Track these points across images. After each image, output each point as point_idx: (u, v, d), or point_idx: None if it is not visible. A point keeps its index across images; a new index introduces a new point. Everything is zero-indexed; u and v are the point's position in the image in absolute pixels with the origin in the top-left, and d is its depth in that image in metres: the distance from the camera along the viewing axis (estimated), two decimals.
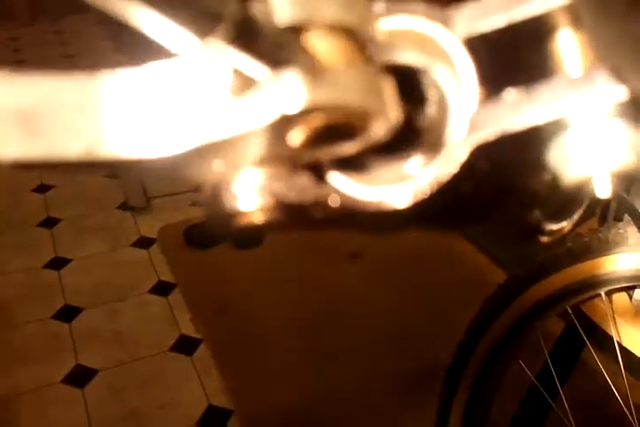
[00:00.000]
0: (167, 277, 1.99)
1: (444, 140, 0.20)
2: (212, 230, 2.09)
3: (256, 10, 0.18)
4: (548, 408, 1.03)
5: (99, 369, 1.67)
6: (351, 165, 0.21)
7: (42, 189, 2.44)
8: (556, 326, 1.05)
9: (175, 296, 1.91)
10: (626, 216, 0.84)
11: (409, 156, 0.21)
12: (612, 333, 0.88)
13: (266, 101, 0.18)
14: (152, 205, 2.32)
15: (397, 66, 0.20)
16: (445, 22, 0.20)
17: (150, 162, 0.18)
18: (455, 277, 1.87)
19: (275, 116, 0.17)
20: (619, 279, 0.80)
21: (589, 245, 0.80)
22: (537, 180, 0.21)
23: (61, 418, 1.55)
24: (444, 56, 0.20)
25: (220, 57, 0.18)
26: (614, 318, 0.88)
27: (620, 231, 0.75)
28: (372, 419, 1.48)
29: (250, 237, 2.07)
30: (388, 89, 0.19)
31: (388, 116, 0.18)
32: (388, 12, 0.20)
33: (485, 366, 0.96)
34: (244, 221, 0.20)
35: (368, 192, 0.21)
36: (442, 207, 0.21)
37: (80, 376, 1.65)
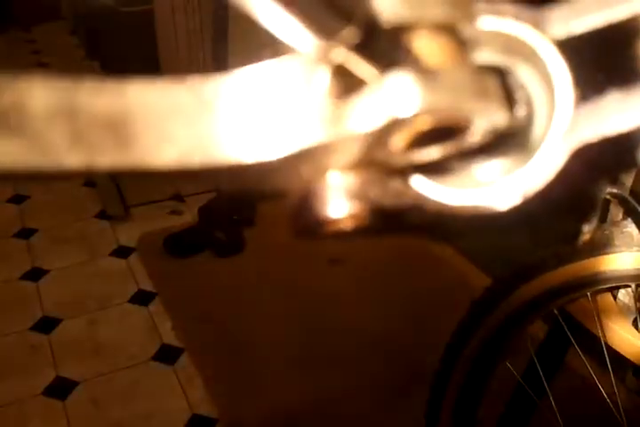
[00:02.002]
0: (147, 286, 1.97)
1: (537, 143, 0.20)
2: (192, 237, 2.08)
3: (369, 10, 0.18)
4: (535, 408, 1.03)
5: (79, 381, 1.65)
6: (433, 168, 0.21)
7: (17, 199, 2.41)
8: (541, 327, 1.06)
9: (155, 306, 1.90)
10: (609, 218, 0.85)
11: (495, 159, 0.21)
12: (598, 333, 0.89)
13: (378, 104, 0.17)
14: (130, 214, 2.30)
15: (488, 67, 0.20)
16: (536, 24, 0.20)
17: (247, 167, 0.18)
18: (437, 281, 1.88)
19: (386, 120, 0.17)
20: (604, 280, 0.82)
21: (575, 247, 0.82)
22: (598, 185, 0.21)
23: None
24: (534, 58, 0.20)
25: (333, 58, 0.18)
26: (599, 319, 0.89)
27: (607, 233, 0.76)
28: (358, 425, 1.48)
29: (230, 245, 2.06)
30: (496, 89, 0.19)
31: (495, 118, 0.18)
32: (482, 12, 0.19)
33: (473, 368, 0.96)
34: (333, 227, 0.20)
35: (458, 196, 0.21)
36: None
37: (61, 388, 1.63)
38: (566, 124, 0.20)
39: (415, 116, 0.17)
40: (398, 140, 0.18)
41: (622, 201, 0.65)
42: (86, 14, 3.18)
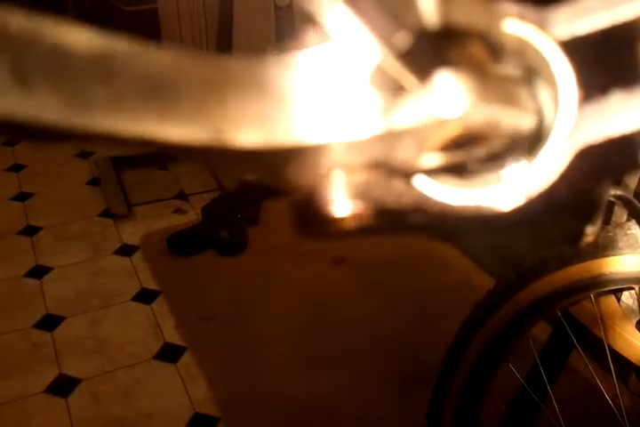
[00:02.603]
0: (150, 284, 1.97)
1: (540, 143, 0.20)
2: (195, 236, 2.08)
3: (417, 16, 0.18)
4: (537, 410, 1.03)
5: (82, 378, 1.65)
6: (442, 169, 0.21)
7: (21, 196, 2.41)
8: (544, 328, 1.06)
9: (159, 304, 1.90)
10: (613, 219, 0.85)
11: (504, 159, 0.21)
12: (601, 335, 0.89)
13: (424, 103, 0.17)
14: (134, 213, 2.30)
15: None
16: (540, 24, 0.19)
17: (269, 154, 0.17)
18: (440, 281, 1.88)
19: (429, 119, 0.17)
20: (607, 282, 0.81)
21: (578, 249, 0.81)
22: (601, 187, 0.21)
23: None
24: (538, 58, 0.20)
25: (373, 57, 0.18)
26: (603, 321, 0.89)
27: (610, 234, 0.76)
28: (360, 425, 1.48)
29: (233, 243, 2.06)
30: (523, 96, 0.19)
31: (521, 125, 0.18)
32: (507, 16, 0.19)
33: (475, 369, 0.96)
34: (337, 226, 0.20)
35: (461, 196, 0.21)
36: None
37: (63, 386, 1.63)
38: (570, 124, 0.20)
39: (460, 118, 0.17)
40: (434, 143, 0.18)
41: (626, 203, 0.65)
42: (90, 13, 3.19)
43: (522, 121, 0.19)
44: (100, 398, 1.60)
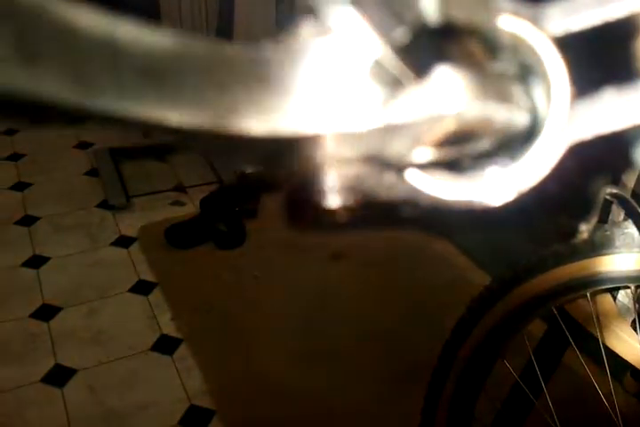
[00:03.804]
0: (148, 276, 1.97)
1: (532, 139, 0.20)
2: (193, 228, 2.08)
3: (418, 12, 0.18)
4: (531, 407, 1.03)
5: (78, 369, 1.66)
6: (435, 164, 0.21)
7: (19, 186, 2.41)
8: (540, 326, 1.06)
9: (156, 296, 1.90)
10: (610, 218, 0.85)
11: (497, 154, 0.21)
12: (596, 334, 0.89)
13: (424, 98, 0.17)
14: (132, 204, 2.30)
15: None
16: (534, 20, 0.19)
17: (267, 142, 0.17)
18: (438, 279, 1.88)
19: (428, 114, 0.17)
20: (603, 281, 0.81)
21: (574, 247, 0.81)
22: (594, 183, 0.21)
23: (40, 418, 1.53)
24: (532, 54, 0.20)
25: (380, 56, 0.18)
26: (598, 320, 0.89)
27: (607, 233, 0.76)
28: (356, 420, 1.48)
29: (231, 237, 2.06)
30: (518, 93, 0.19)
31: (515, 122, 0.18)
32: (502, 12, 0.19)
33: (470, 366, 0.96)
34: (328, 219, 0.20)
35: (452, 190, 0.21)
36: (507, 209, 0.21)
37: (59, 376, 1.64)
38: (562, 120, 0.20)
39: (456, 114, 0.17)
40: (429, 138, 0.18)
41: (623, 202, 0.65)
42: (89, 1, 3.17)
43: (515, 117, 0.19)
44: (96, 388, 1.61)
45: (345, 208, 0.20)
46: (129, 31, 0.16)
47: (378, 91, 0.18)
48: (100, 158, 2.51)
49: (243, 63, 0.17)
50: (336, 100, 0.18)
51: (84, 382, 1.62)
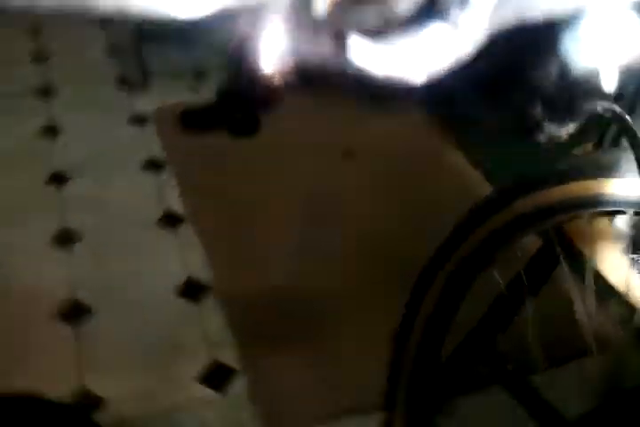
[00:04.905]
0: (159, 155, 1.99)
1: (463, 20, 0.20)
2: (208, 114, 2.06)
3: None
4: (511, 319, 1.06)
5: (83, 234, 1.72)
6: (372, 34, 0.20)
7: (40, 58, 2.39)
8: (535, 242, 1.07)
9: (166, 175, 1.93)
10: (623, 141, 0.83)
11: (427, 30, 0.20)
12: (589, 254, 0.90)
13: None
14: (150, 86, 2.29)
15: None
16: None
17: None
18: (446, 187, 1.88)
19: None
20: (601, 203, 0.81)
21: (581, 167, 0.81)
22: (545, 71, 0.21)
23: (46, 276, 1.61)
24: None
25: None
26: (592, 241, 0.89)
27: (614, 156, 0.75)
28: (346, 312, 1.52)
29: (245, 124, 2.05)
30: None
31: None
32: None
33: (460, 269, 0.97)
34: (264, 81, 0.20)
35: (384, 65, 0.20)
36: (448, 90, 0.21)
37: (65, 239, 1.71)
38: (487, 4, 0.19)
39: None
40: None
41: (617, 118, 0.62)
42: None
43: None
44: (98, 254, 1.67)
45: (280, 73, 0.20)
46: None
47: None
48: (121, 38, 2.47)
49: None
50: None
51: (88, 247, 1.70)
